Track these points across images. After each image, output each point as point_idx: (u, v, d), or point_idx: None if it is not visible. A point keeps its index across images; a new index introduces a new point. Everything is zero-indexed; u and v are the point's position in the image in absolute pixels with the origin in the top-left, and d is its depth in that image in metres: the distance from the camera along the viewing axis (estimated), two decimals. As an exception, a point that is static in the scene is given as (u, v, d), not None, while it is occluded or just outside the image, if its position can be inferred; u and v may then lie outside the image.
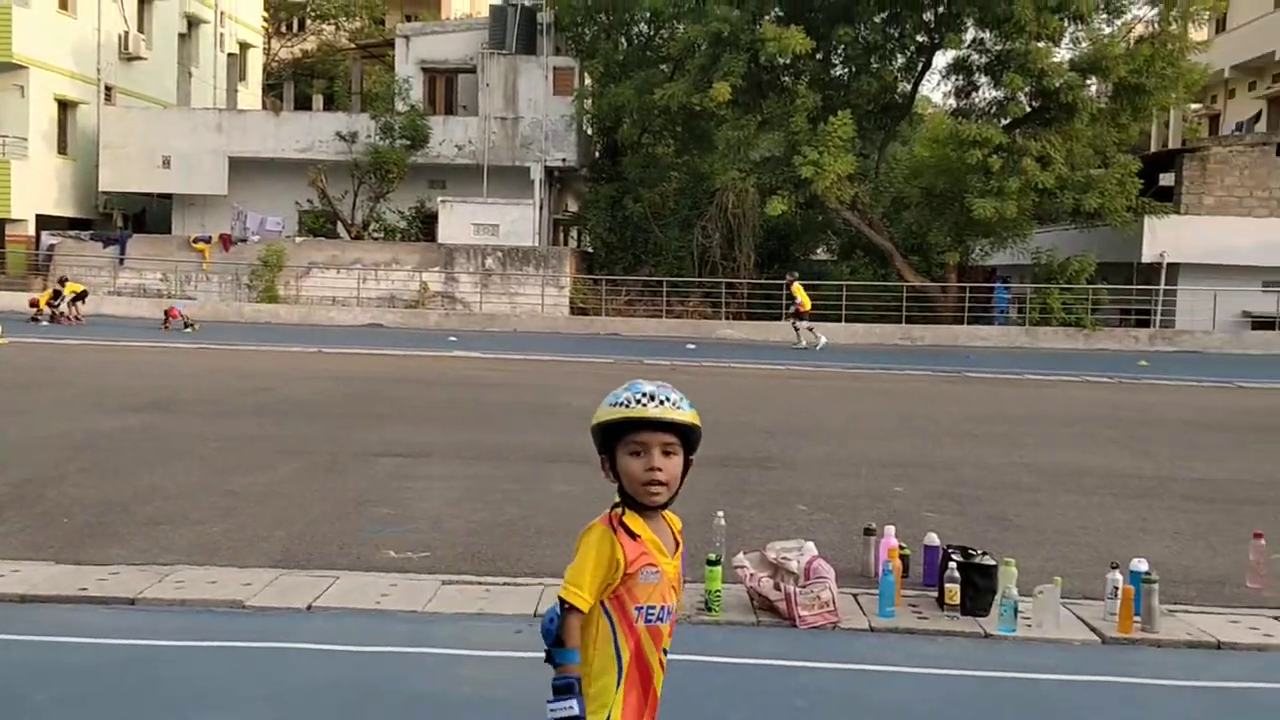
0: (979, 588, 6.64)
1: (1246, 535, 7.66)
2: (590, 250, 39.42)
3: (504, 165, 37.26)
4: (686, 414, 2.93)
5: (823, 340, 28.27)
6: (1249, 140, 35.80)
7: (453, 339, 27.99)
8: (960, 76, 34.44)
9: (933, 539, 7.36)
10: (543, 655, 2.94)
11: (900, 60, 35.84)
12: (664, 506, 2.98)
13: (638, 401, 2.91)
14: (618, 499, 2.99)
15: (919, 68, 35.78)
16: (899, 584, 6.77)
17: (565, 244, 41.56)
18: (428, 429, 13.39)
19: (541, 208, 37.23)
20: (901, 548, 7.26)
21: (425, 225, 37.55)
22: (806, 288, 34.41)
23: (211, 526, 8.33)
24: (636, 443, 2.92)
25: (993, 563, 6.72)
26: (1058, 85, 30.64)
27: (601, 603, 2.93)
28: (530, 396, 16.74)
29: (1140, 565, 6.63)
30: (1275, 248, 32.77)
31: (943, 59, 35.06)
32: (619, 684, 2.93)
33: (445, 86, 39.60)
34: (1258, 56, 42.72)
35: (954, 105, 35.45)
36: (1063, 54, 32.21)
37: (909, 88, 36.51)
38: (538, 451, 11.90)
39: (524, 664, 5.84)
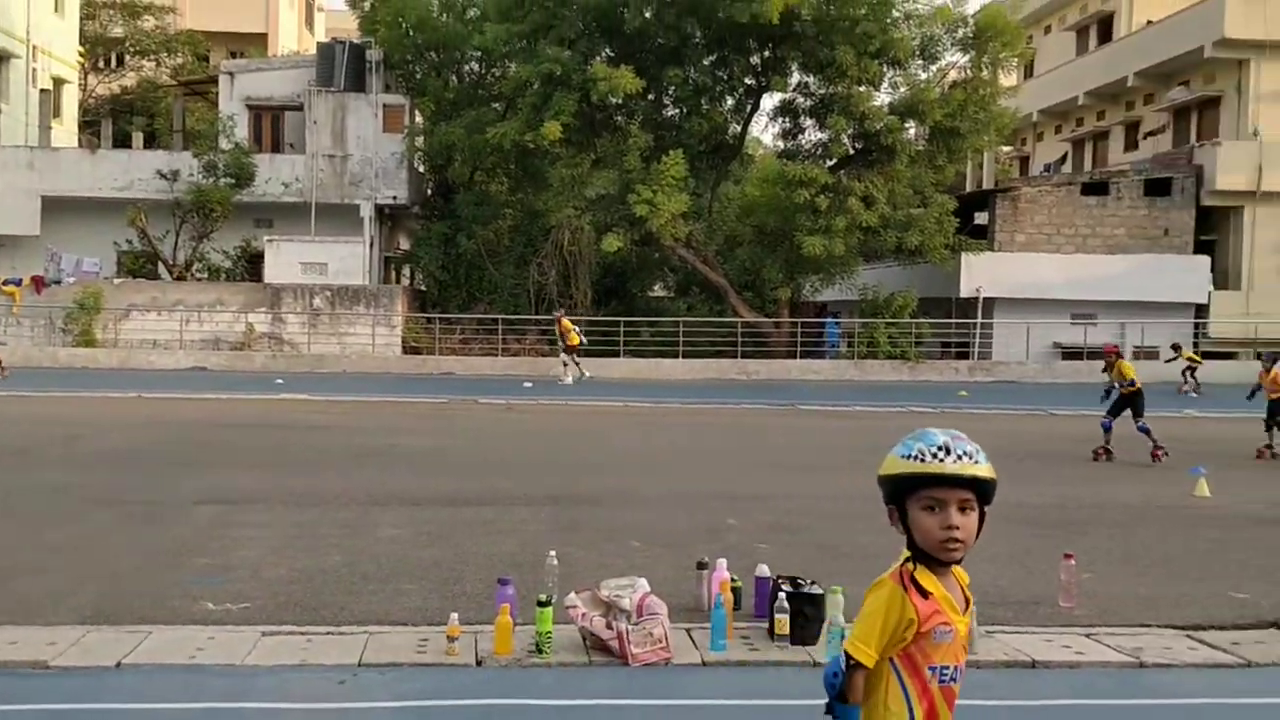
0: (808, 617, 6.72)
1: (1058, 557, 7.95)
2: (423, 289, 38.95)
3: (333, 203, 36.56)
4: (984, 468, 2.81)
5: (570, 379, 28.18)
6: (1056, 181, 37.82)
7: (280, 381, 27.20)
8: (787, 118, 35.43)
9: (764, 570, 7.41)
10: (823, 707, 2.86)
11: (730, 102, 36.71)
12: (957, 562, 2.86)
13: (933, 456, 2.80)
14: (907, 553, 2.88)
15: (748, 109, 36.68)
16: (730, 617, 6.79)
17: (397, 282, 40.94)
18: (251, 474, 12.93)
19: (372, 246, 36.66)
20: (733, 580, 7.28)
21: (251, 265, 36.49)
22: (644, 324, 34.86)
23: (14, 583, 7.84)
24: (932, 498, 2.81)
25: (820, 591, 6.81)
26: (878, 128, 31.79)
27: (892, 663, 2.83)
28: (359, 439, 16.35)
29: (959, 589, 6.80)
30: (1082, 282, 34.60)
31: (770, 101, 36.06)
32: None
33: (272, 124, 38.71)
34: (1062, 101, 45.25)
35: (782, 146, 36.43)
36: (883, 98, 33.50)
37: (739, 129, 37.35)
38: (366, 495, 11.61)
39: (348, 715, 5.65)
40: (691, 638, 6.75)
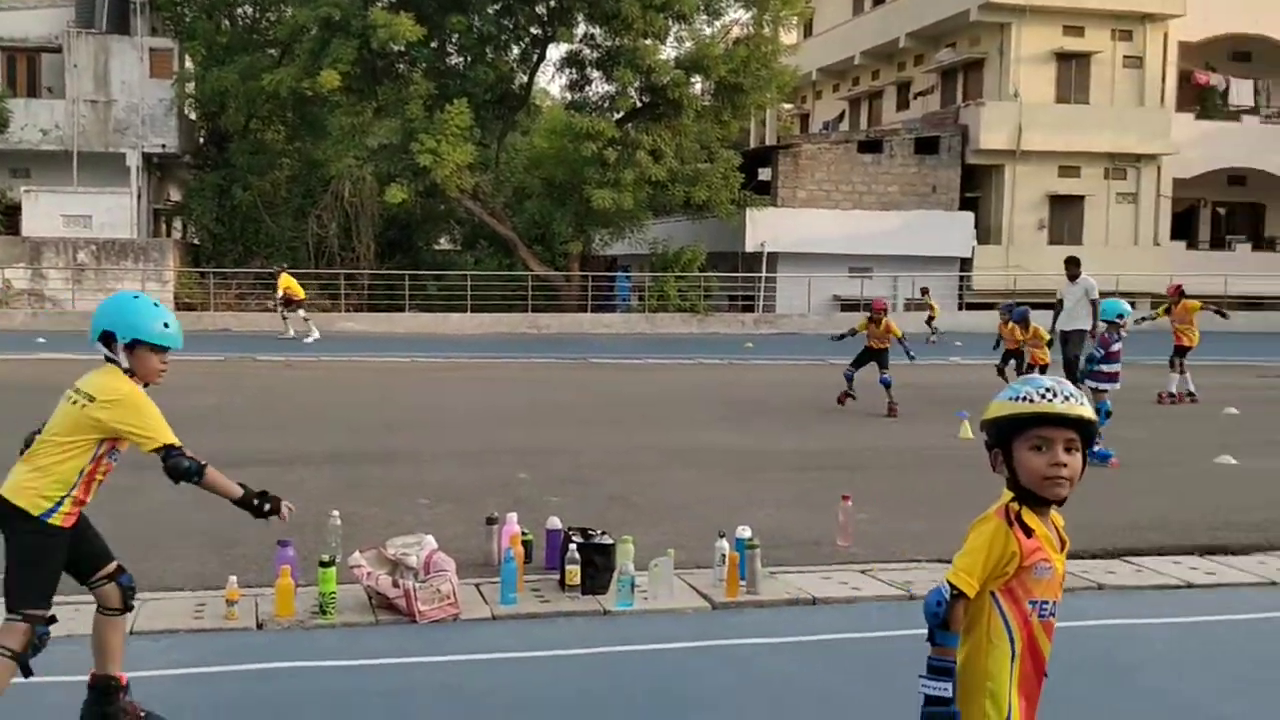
0: (598, 566, 6.77)
1: (836, 499, 8.27)
2: (196, 242, 37.25)
3: (97, 152, 34.51)
4: (1088, 410, 2.95)
5: (297, 333, 27.25)
6: (834, 138, 39.04)
7: (41, 340, 25.53)
8: (574, 70, 35.31)
9: (555, 523, 7.43)
10: (925, 634, 2.97)
11: (515, 51, 36.31)
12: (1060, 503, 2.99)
13: (1041, 396, 2.92)
14: (1009, 494, 2.99)
15: (534, 59, 36.37)
16: (521, 570, 6.78)
17: (168, 236, 39.05)
18: (6, 439, 12.08)
19: (140, 197, 34.81)
20: (524, 534, 7.28)
21: (7, 217, 34.13)
22: (430, 278, 34.32)
23: None
24: (1040, 437, 2.92)
25: (610, 541, 6.88)
26: (665, 82, 32.05)
27: (994, 597, 2.97)
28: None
29: (744, 532, 6.99)
30: (858, 237, 35.92)
31: (557, 52, 35.87)
32: (1012, 676, 2.97)
33: (27, 66, 36.15)
34: (840, 61, 46.64)
35: (569, 98, 36.32)
36: (669, 52, 33.79)
37: (525, 79, 37.01)
38: (137, 459, 10.94)
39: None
40: (481, 593, 6.72)
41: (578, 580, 6.72)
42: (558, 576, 6.89)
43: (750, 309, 35.74)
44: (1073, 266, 16.97)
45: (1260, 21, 39.73)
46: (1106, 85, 38.57)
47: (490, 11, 34.23)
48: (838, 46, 46.59)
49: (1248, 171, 41.12)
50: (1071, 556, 8.13)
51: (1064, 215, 38.48)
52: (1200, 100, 41.00)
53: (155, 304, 4.57)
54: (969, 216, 37.44)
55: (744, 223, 35.01)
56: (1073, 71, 38.38)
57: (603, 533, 7.02)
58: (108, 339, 4.47)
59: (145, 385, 4.53)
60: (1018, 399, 2.96)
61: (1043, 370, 16.30)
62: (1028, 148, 37.20)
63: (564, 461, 11.31)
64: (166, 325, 4.51)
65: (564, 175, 33.44)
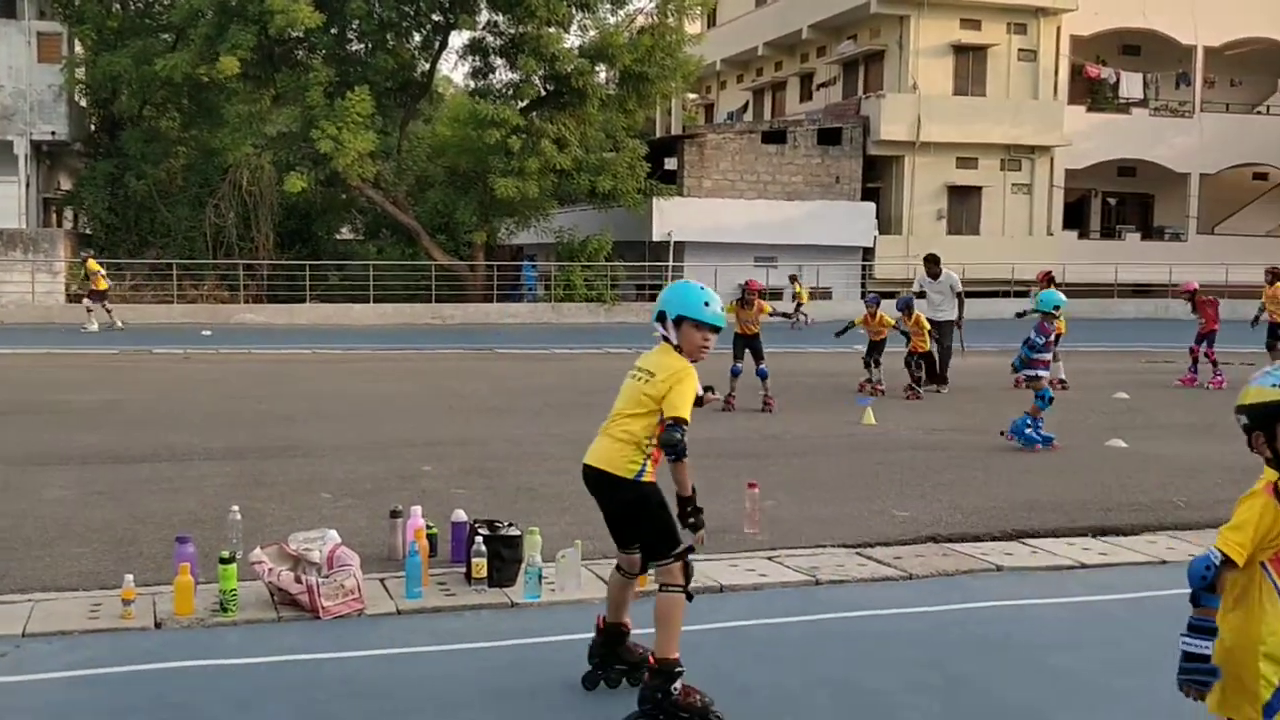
0: (505, 559, 6.73)
1: (742, 486, 8.34)
2: (89, 232, 36.17)
3: (-19, 138, 33.33)
4: None
5: (95, 325, 26.45)
6: (738, 128, 39.32)
7: (-76, 334, 24.71)
8: (477, 57, 35.02)
9: (460, 515, 7.37)
10: (1188, 595, 3.22)
11: (417, 38, 35.90)
12: None
13: None
14: (1273, 473, 3.20)
15: (436, 47, 36.00)
16: (426, 564, 6.71)
17: (59, 226, 37.88)
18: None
19: (29, 186, 33.73)
20: (428, 527, 7.21)
21: (-115, 206, 32.80)
22: (332, 268, 33.82)
23: None
24: None
25: (517, 533, 6.84)
26: (569, 70, 31.95)
27: (1264, 566, 3.18)
28: (17, 394, 15.03)
29: (652, 522, 7.00)
30: (763, 226, 36.25)
31: (459, 39, 35.57)
32: None
33: (-94, 50, 34.74)
34: (743, 51, 46.96)
35: (473, 86, 36.02)
36: (573, 40, 33.69)
37: (427, 66, 36.61)
38: (26, 455, 10.71)
39: (14, 690, 5.21)
40: (386, 587, 6.64)
41: (484, 573, 6.66)
42: (464, 570, 6.84)
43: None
44: (932, 265, 17.45)
45: (1149, 16, 40.92)
46: (1002, 78, 39.40)
47: (390, -3, 33.80)
48: (741, 37, 46.87)
49: (1137, 163, 42.37)
50: (970, 539, 8.34)
51: (962, 206, 39.27)
52: (1091, 93, 42.11)
53: (701, 288, 5.16)
54: (870, 207, 38.00)
55: (650, 212, 35.11)
56: (970, 64, 39.13)
57: (509, 524, 6.98)
58: (662, 318, 5.11)
59: (692, 361, 5.10)
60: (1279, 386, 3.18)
61: (923, 357, 16.48)
62: (927, 139, 37.85)
63: (470, 453, 11.23)
64: (708, 304, 5.04)
65: (468, 164, 33.17)
